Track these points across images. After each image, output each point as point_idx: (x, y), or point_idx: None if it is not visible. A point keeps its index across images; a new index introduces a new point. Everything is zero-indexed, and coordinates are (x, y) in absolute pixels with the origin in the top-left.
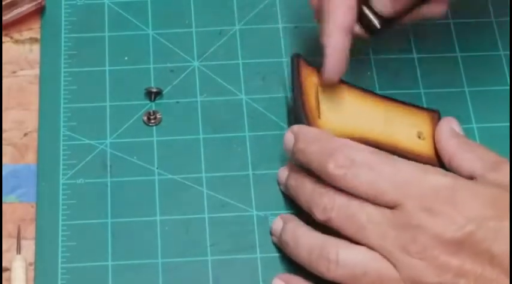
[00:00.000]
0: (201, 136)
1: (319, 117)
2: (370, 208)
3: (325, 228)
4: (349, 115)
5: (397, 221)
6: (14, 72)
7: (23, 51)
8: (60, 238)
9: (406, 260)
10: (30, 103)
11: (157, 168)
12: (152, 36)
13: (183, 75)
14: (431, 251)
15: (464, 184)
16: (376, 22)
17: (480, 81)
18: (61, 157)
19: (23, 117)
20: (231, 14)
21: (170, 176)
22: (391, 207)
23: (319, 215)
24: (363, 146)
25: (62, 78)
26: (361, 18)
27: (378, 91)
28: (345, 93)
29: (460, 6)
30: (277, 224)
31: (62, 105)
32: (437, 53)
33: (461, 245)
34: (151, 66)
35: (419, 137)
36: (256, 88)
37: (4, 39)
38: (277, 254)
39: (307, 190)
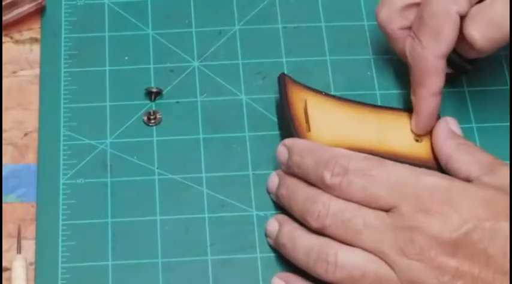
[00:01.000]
0: (201, 136)
1: (309, 130)
2: (365, 212)
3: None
4: (340, 127)
5: (394, 224)
6: (14, 72)
7: (23, 51)
8: (60, 238)
9: (404, 262)
10: (30, 103)
11: (157, 168)
12: (152, 36)
13: (183, 75)
14: (428, 253)
15: (460, 185)
16: (467, 66)
17: (480, 81)
18: (61, 157)
19: (23, 117)
20: (231, 14)
21: (170, 176)
22: (386, 210)
23: (314, 223)
24: (355, 154)
25: (62, 78)
26: (451, 64)
27: (377, 92)
28: (335, 106)
29: None
30: (272, 226)
31: (62, 105)
32: None
33: (458, 246)
34: (151, 66)
35: (417, 140)
36: (256, 88)
37: (4, 39)
38: (277, 254)
39: (299, 198)
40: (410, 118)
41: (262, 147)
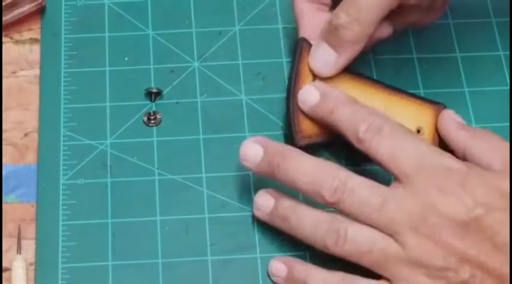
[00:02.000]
0: (201, 136)
1: None
2: (382, 190)
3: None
4: None
5: (408, 197)
6: (14, 72)
7: (23, 52)
8: (60, 238)
9: (414, 240)
10: (30, 104)
11: (157, 168)
12: (152, 37)
13: (183, 76)
14: (439, 232)
15: (478, 172)
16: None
17: (480, 81)
18: (61, 158)
19: (23, 117)
20: (231, 15)
21: (170, 176)
22: (402, 180)
23: (329, 197)
24: (391, 119)
25: (62, 78)
26: None
27: None
28: (346, 84)
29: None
30: (264, 199)
31: (62, 105)
32: (437, 53)
33: (467, 228)
34: (152, 66)
35: (418, 131)
36: (256, 88)
37: (4, 39)
38: (277, 254)
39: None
40: (420, 106)
41: None
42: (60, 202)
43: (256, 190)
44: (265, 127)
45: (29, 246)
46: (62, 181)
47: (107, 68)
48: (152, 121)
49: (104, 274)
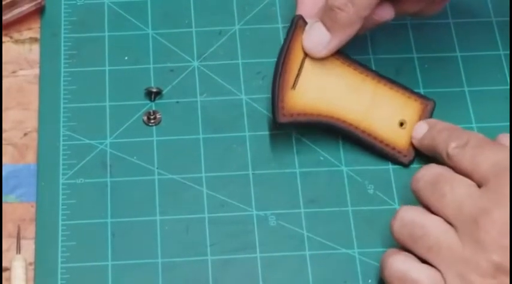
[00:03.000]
0: (201, 136)
1: (293, 87)
2: (458, 181)
3: None
4: (330, 92)
5: (480, 197)
6: (14, 72)
7: (23, 51)
8: (60, 238)
9: (475, 234)
10: (30, 103)
11: (157, 168)
12: (152, 36)
13: (183, 75)
14: (499, 232)
15: None
16: None
17: (480, 81)
18: (61, 157)
19: (23, 117)
20: (231, 14)
21: (170, 176)
22: (480, 184)
23: (412, 185)
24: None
25: (62, 78)
26: None
27: None
28: (336, 69)
29: (460, 6)
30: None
31: (61, 105)
32: (438, 53)
33: None
34: (151, 66)
35: (401, 124)
36: (256, 88)
37: (4, 39)
38: (277, 254)
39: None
40: (409, 99)
41: (262, 147)
42: (60, 201)
43: (256, 190)
44: (265, 127)
45: (29, 246)
46: (61, 181)
47: (107, 68)
48: (152, 121)
49: (104, 274)
